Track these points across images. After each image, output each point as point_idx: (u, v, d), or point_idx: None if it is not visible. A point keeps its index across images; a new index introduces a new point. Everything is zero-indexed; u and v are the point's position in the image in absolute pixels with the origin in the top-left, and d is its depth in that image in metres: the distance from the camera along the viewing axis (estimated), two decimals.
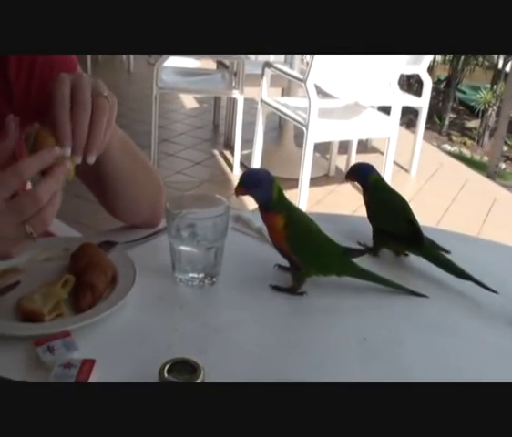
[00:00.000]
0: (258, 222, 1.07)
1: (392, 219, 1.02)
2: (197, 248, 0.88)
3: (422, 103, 3.65)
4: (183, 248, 0.88)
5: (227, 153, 3.84)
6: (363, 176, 1.05)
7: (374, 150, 4.06)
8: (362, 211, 3.27)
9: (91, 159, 0.69)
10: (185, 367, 0.64)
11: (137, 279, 0.84)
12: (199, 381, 0.63)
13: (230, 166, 3.61)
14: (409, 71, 3.90)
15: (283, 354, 0.77)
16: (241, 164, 3.56)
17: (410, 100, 3.66)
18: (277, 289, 0.89)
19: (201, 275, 0.89)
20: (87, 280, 0.81)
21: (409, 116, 4.81)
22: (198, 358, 0.66)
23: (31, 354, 0.72)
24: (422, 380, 0.74)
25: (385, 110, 3.26)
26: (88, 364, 0.69)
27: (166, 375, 0.63)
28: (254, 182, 0.86)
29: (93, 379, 0.67)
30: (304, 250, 0.87)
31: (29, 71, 0.93)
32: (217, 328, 0.80)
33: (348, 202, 3.31)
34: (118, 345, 0.76)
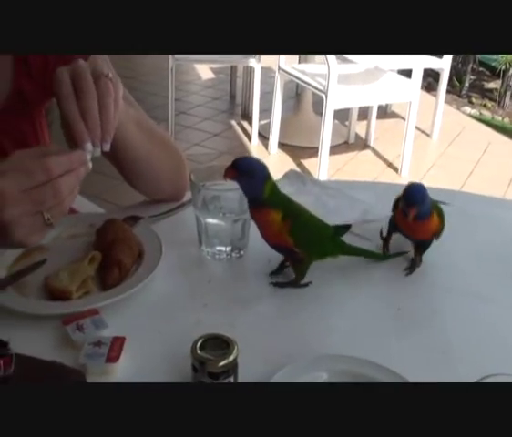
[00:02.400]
0: (284, 191, 1.05)
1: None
2: (223, 221, 0.86)
3: (443, 65, 3.55)
4: (209, 220, 0.86)
5: (244, 123, 3.79)
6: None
7: (394, 115, 3.99)
8: (383, 178, 3.23)
9: (106, 147, 0.68)
10: (218, 343, 0.63)
11: (163, 254, 0.83)
12: (232, 357, 0.62)
13: (249, 136, 3.57)
14: None
15: (314, 327, 0.75)
16: (259, 134, 3.52)
17: (431, 62, 3.56)
18: (279, 285, 0.82)
19: (229, 248, 0.87)
20: (114, 257, 0.80)
21: (428, 80, 4.70)
22: (228, 332, 0.65)
23: (60, 333, 0.71)
24: (461, 348, 0.72)
25: (405, 73, 3.18)
26: (119, 342, 0.68)
27: (199, 352, 0.62)
28: (247, 171, 0.78)
29: (124, 356, 0.66)
30: (307, 241, 0.81)
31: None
32: (246, 301, 0.79)
33: (369, 169, 3.27)
34: (148, 321, 0.74)
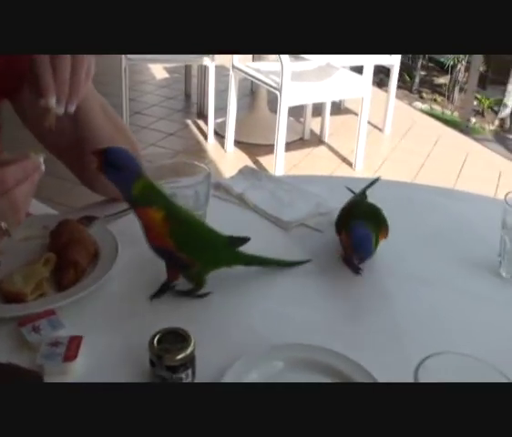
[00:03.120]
0: (238, 188, 1.07)
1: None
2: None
3: (393, 61, 3.64)
4: None
5: (200, 122, 3.79)
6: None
7: (348, 111, 4.06)
8: (338, 173, 3.28)
9: (71, 108, 0.71)
10: (175, 337, 0.64)
11: (119, 253, 0.83)
12: (190, 350, 0.63)
13: (205, 135, 3.57)
14: None
15: (268, 318, 0.77)
16: (215, 133, 3.52)
17: (381, 59, 3.64)
18: (180, 293, 0.79)
19: None
20: (70, 257, 0.80)
21: (380, 76, 4.80)
22: (185, 326, 0.66)
23: (15, 335, 0.70)
24: (407, 330, 0.75)
25: (357, 70, 3.25)
26: (76, 341, 0.68)
27: (156, 346, 0.63)
28: (113, 163, 0.71)
29: (81, 355, 0.67)
30: (191, 245, 0.76)
31: None
32: (203, 297, 0.80)
33: (325, 165, 3.32)
34: (105, 320, 0.75)
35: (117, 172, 0.72)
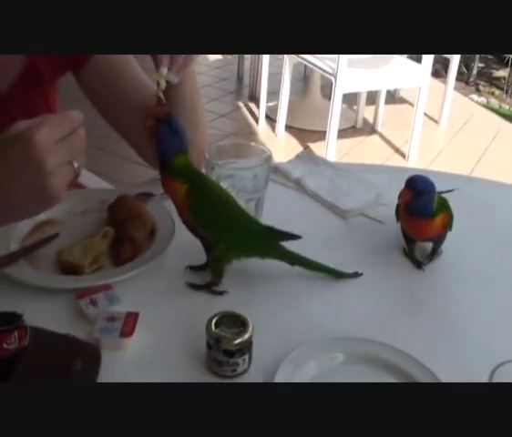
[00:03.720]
0: (296, 173, 1.05)
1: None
2: (236, 200, 0.85)
3: None
4: None
5: (252, 105, 3.77)
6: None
7: (403, 101, 3.95)
8: (390, 163, 3.20)
9: (175, 79, 0.78)
10: (233, 321, 0.63)
11: (176, 232, 0.82)
12: (247, 335, 0.61)
13: (256, 118, 3.55)
14: None
15: (329, 310, 0.75)
16: (267, 116, 3.50)
17: None
18: (193, 287, 0.75)
19: None
20: (127, 233, 0.79)
21: (435, 66, 4.65)
22: (243, 311, 0.65)
23: (73, 307, 0.71)
24: (474, 333, 0.71)
25: (414, 59, 3.15)
26: (132, 317, 0.68)
27: (214, 329, 0.62)
28: (172, 127, 0.72)
29: (137, 332, 0.66)
30: (214, 223, 0.74)
31: None
32: (261, 280, 0.78)
33: (376, 154, 3.25)
34: (161, 298, 0.74)
35: (170, 136, 0.72)
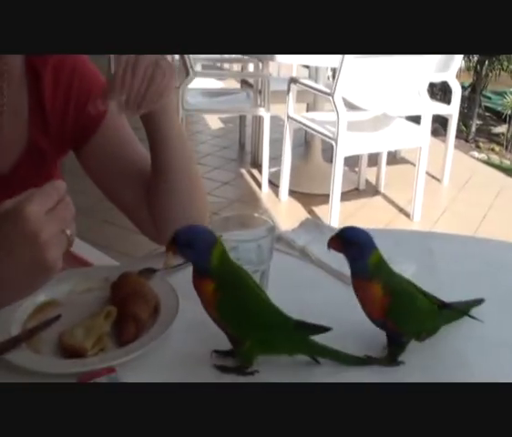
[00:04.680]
0: (300, 241, 1.03)
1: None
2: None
3: (451, 110, 3.57)
4: None
5: (254, 172, 3.81)
6: (361, 252, 0.73)
7: (404, 161, 3.99)
8: (395, 224, 3.19)
9: (138, 112, 0.78)
10: None
11: (180, 307, 0.81)
12: None
13: (259, 184, 3.58)
14: (437, 79, 3.82)
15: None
16: (270, 182, 3.53)
17: (439, 108, 3.59)
18: (222, 369, 0.72)
19: None
20: (130, 311, 0.78)
21: (434, 125, 4.71)
22: None
23: None
24: None
25: (413, 120, 3.19)
26: None
27: None
28: (187, 242, 0.70)
29: None
30: (239, 321, 0.71)
31: (64, 99, 0.92)
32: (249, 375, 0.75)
33: (381, 215, 3.25)
34: (165, 379, 0.71)
35: (192, 250, 0.69)
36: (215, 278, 0.70)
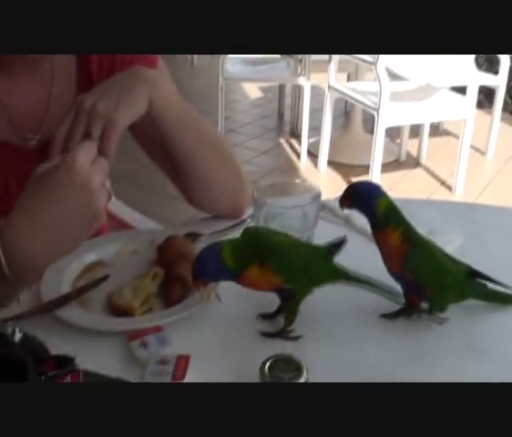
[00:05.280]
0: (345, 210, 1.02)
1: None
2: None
3: (499, 81, 3.45)
4: None
5: (293, 141, 3.78)
6: (367, 202, 0.75)
7: (447, 133, 3.90)
8: (437, 198, 3.13)
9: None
10: (287, 364, 0.61)
11: None
12: (302, 380, 0.59)
13: (297, 154, 3.56)
14: None
15: (385, 346, 0.72)
16: (309, 152, 3.50)
17: (486, 79, 3.47)
18: (267, 335, 0.73)
19: None
20: (177, 273, 0.79)
21: (479, 96, 4.57)
22: (297, 352, 0.63)
23: (124, 349, 0.70)
24: None
25: (458, 91, 3.10)
26: (183, 360, 0.66)
27: (267, 373, 0.60)
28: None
29: (189, 375, 0.65)
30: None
31: (109, 70, 0.92)
32: (314, 320, 0.76)
33: (421, 188, 3.20)
34: (212, 340, 0.73)
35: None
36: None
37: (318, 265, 0.75)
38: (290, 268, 0.72)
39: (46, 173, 0.67)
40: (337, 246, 0.76)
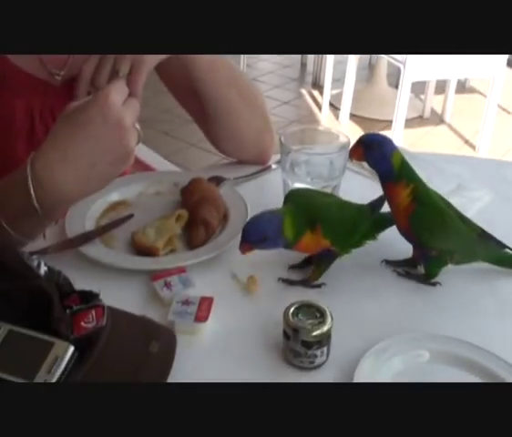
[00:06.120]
0: None
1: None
2: (312, 186, 0.83)
3: None
4: (297, 184, 0.83)
5: (315, 93, 3.72)
6: (381, 157, 0.71)
7: (473, 90, 3.80)
8: (462, 153, 3.02)
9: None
10: (311, 311, 0.60)
11: (249, 216, 0.81)
12: (326, 327, 0.59)
13: (319, 106, 3.50)
14: None
15: (412, 304, 0.71)
16: (331, 104, 3.44)
17: None
18: (288, 282, 0.72)
19: None
20: (201, 216, 0.78)
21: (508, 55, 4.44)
22: (322, 301, 0.62)
23: (147, 288, 0.71)
24: None
25: None
26: (207, 302, 0.66)
27: (291, 318, 0.59)
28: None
29: (212, 317, 0.65)
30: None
31: None
32: (337, 269, 0.75)
33: (445, 145, 3.14)
34: (235, 283, 0.72)
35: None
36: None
37: (363, 224, 0.74)
38: (338, 230, 0.71)
39: (78, 109, 0.67)
40: (379, 203, 0.75)
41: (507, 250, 0.75)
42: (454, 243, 0.73)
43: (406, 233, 0.73)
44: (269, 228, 0.67)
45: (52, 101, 0.86)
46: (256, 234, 0.67)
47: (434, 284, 0.73)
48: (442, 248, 0.72)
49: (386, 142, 0.71)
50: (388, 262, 0.76)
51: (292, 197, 0.74)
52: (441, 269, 0.73)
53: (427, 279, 0.73)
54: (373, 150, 0.71)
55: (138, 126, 0.69)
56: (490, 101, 2.93)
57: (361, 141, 0.71)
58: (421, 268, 0.75)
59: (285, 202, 0.73)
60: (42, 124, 0.86)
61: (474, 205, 0.89)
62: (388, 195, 0.73)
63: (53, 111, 0.86)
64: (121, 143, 0.66)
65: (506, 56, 2.87)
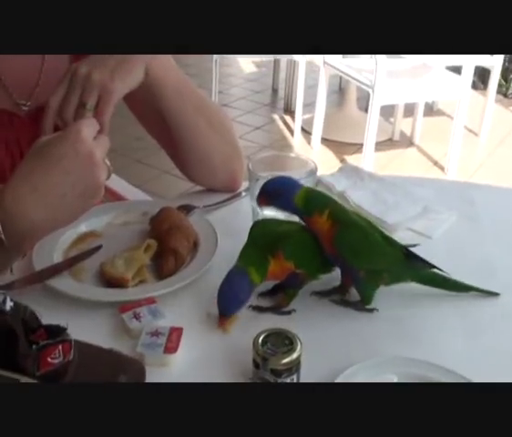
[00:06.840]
0: (339, 186, 1.02)
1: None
2: (280, 214, 0.83)
3: (494, 62, 3.44)
4: (266, 213, 0.83)
5: (287, 117, 3.76)
6: (284, 203, 0.75)
7: (441, 113, 3.89)
8: (430, 176, 3.10)
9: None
10: (280, 339, 0.60)
11: (219, 245, 0.81)
12: (296, 354, 0.59)
13: (291, 131, 3.54)
14: None
15: (380, 328, 0.72)
16: (302, 129, 3.48)
17: (482, 60, 3.45)
18: (259, 309, 0.72)
19: None
20: (170, 245, 0.78)
21: (472, 78, 4.55)
22: (291, 328, 0.62)
23: (116, 320, 0.70)
24: None
25: (454, 70, 3.09)
26: (176, 332, 0.66)
27: (261, 347, 0.59)
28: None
29: (181, 348, 0.65)
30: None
31: None
32: (307, 295, 0.76)
33: (414, 167, 3.19)
34: (205, 313, 0.72)
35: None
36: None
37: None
38: (300, 251, 0.72)
39: (49, 144, 0.67)
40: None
41: (435, 270, 0.75)
42: (379, 262, 0.73)
43: (334, 257, 0.73)
44: (240, 292, 0.69)
45: (18, 132, 0.86)
46: (233, 304, 0.69)
47: (371, 310, 0.73)
48: (368, 268, 0.72)
49: (286, 188, 0.73)
50: (317, 293, 0.75)
51: (252, 230, 0.75)
52: (374, 292, 0.73)
53: (363, 305, 0.73)
54: (276, 199, 0.74)
55: (107, 161, 0.70)
56: (457, 123, 3.00)
57: (263, 191, 0.74)
58: (349, 295, 0.75)
59: (248, 236, 0.74)
60: (8, 155, 0.85)
61: (439, 227, 0.91)
62: (309, 227, 0.73)
63: (19, 142, 0.86)
64: (92, 176, 0.67)
65: (470, 79, 2.94)
